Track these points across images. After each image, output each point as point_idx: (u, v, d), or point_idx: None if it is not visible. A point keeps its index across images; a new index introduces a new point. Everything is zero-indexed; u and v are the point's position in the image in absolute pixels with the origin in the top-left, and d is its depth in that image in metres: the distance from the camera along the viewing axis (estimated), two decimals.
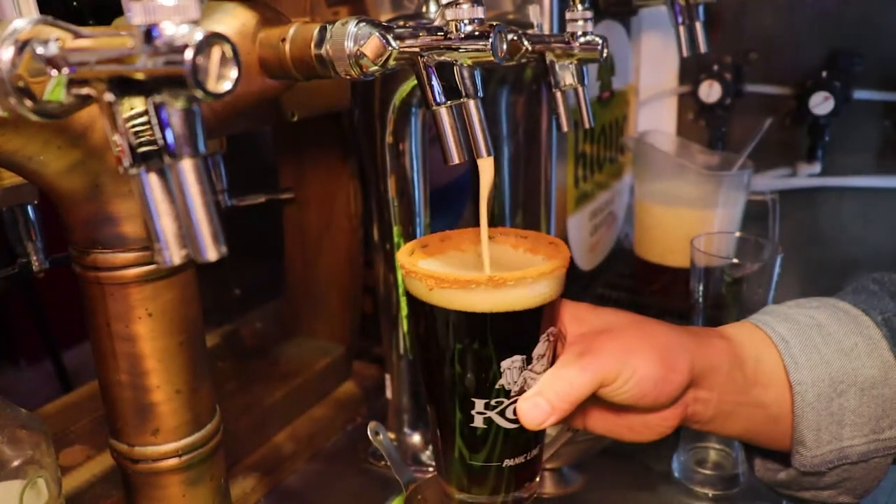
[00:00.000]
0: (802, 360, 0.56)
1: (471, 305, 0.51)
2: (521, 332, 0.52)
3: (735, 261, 0.73)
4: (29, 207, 0.73)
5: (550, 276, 0.51)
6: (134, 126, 0.33)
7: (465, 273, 0.52)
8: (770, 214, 0.96)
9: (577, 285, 1.02)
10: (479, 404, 0.53)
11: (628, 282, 1.06)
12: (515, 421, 0.53)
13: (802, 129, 1.21)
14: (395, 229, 0.80)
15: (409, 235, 0.80)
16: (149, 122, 0.32)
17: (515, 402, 0.53)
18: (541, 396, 0.52)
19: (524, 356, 0.52)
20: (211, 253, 0.32)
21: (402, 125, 0.75)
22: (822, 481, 0.59)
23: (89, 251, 0.50)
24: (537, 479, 0.59)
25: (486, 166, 0.54)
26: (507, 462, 0.56)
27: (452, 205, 1.09)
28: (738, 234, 0.80)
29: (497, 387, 0.53)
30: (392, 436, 0.84)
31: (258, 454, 0.85)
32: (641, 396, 0.53)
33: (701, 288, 0.76)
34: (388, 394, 0.85)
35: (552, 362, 0.55)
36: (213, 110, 0.51)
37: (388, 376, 0.85)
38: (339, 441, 0.91)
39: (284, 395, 0.89)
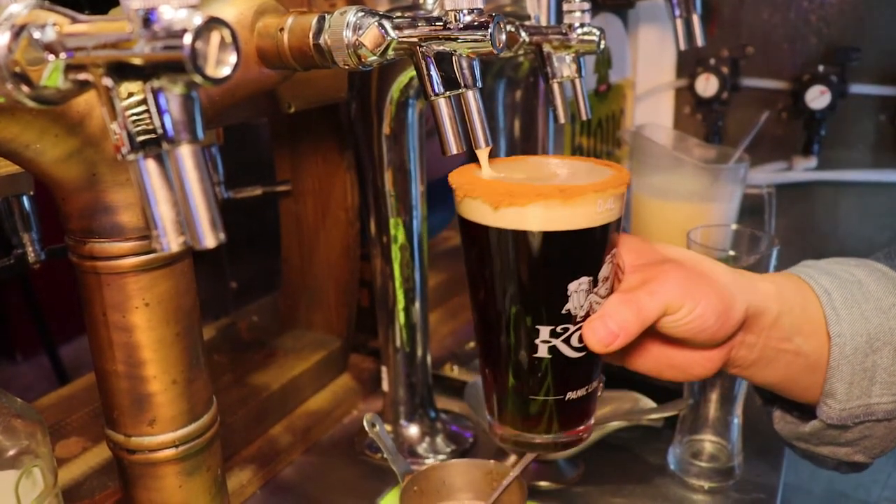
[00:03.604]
0: (843, 313, 0.56)
1: (542, 223, 0.47)
2: (590, 251, 0.50)
3: (732, 253, 0.73)
4: (24, 198, 0.73)
5: (619, 190, 0.48)
6: (132, 114, 0.33)
7: (533, 188, 0.48)
8: (766, 208, 0.96)
9: None
10: (545, 332, 0.51)
11: None
12: (581, 349, 0.51)
13: (799, 123, 1.21)
14: (392, 222, 0.80)
15: (406, 227, 0.80)
16: (147, 110, 0.32)
17: (580, 328, 0.51)
18: (610, 319, 0.50)
19: (591, 278, 0.50)
20: (209, 239, 0.32)
21: (399, 117, 0.75)
22: (843, 436, 0.59)
23: (86, 240, 0.50)
24: (592, 421, 0.57)
25: (484, 157, 0.54)
26: (570, 395, 0.53)
27: (449, 198, 1.09)
28: (734, 226, 0.80)
29: (563, 312, 0.50)
30: (389, 428, 0.84)
31: (255, 446, 0.85)
32: (701, 330, 0.52)
33: None
34: (385, 386, 0.85)
35: (612, 288, 0.53)
36: (210, 100, 0.51)
37: (384, 368, 0.85)
38: (335, 433, 0.91)
39: (281, 388, 0.89)
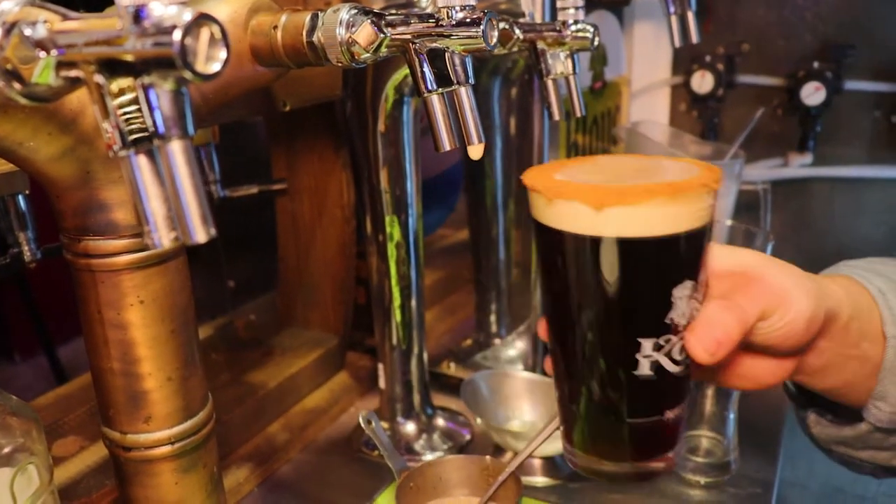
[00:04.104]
0: None
1: (651, 224, 0.43)
2: (695, 252, 0.46)
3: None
4: (20, 197, 0.73)
5: (718, 184, 0.45)
6: (123, 112, 0.33)
7: (639, 186, 0.43)
8: (762, 204, 0.96)
9: None
10: (648, 346, 0.46)
11: None
12: (681, 362, 0.47)
13: (794, 119, 1.21)
14: (388, 219, 0.80)
15: (401, 225, 0.80)
16: (138, 107, 0.32)
17: (682, 338, 0.47)
18: (714, 326, 0.47)
19: (694, 282, 0.46)
20: (200, 234, 0.32)
21: (394, 114, 0.75)
22: (888, 440, 0.57)
23: (80, 238, 0.50)
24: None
25: (476, 154, 0.54)
26: (668, 414, 0.49)
27: (445, 196, 1.09)
28: (729, 222, 0.80)
29: (667, 321, 0.46)
30: (385, 425, 0.85)
31: (252, 444, 0.85)
32: (790, 336, 0.50)
33: None
34: (381, 383, 0.85)
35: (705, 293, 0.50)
36: (204, 98, 0.51)
37: (380, 366, 0.85)
38: (332, 431, 0.91)
39: (278, 386, 0.89)
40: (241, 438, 0.85)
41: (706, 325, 0.47)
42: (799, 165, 1.21)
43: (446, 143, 0.54)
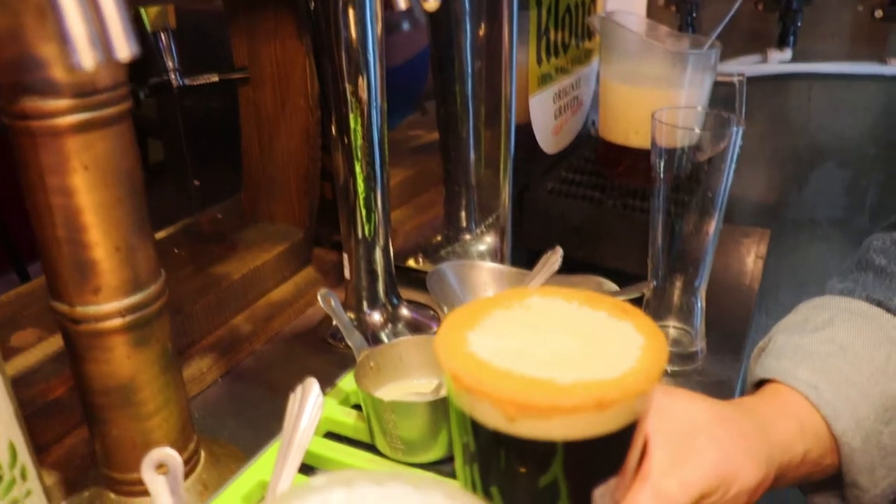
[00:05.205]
0: (840, 404, 0.50)
1: (571, 433, 0.37)
2: (621, 450, 0.40)
3: (697, 131, 0.71)
4: None
5: (650, 389, 0.38)
6: None
7: (561, 395, 0.36)
8: (737, 96, 0.94)
9: (541, 167, 1.00)
10: None
11: (592, 166, 1.05)
12: None
13: (775, 15, 1.18)
14: (352, 117, 0.77)
15: (364, 117, 0.77)
16: None
17: None
18: None
19: (619, 477, 0.41)
20: (122, 51, 0.30)
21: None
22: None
23: (18, 98, 0.47)
24: None
25: (431, 6, 0.51)
26: None
27: (409, 87, 1.07)
28: (700, 108, 0.78)
29: None
30: (351, 315, 0.83)
31: (215, 336, 0.84)
32: None
33: (662, 164, 0.74)
34: (347, 273, 0.84)
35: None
36: None
37: (345, 255, 0.83)
38: (298, 324, 0.91)
39: (242, 278, 0.88)
40: (204, 330, 0.84)
41: None
42: (778, 62, 1.19)
43: (401, 3, 0.52)
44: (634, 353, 0.39)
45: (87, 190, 0.50)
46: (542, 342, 0.40)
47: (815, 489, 0.57)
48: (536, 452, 0.38)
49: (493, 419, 0.37)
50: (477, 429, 0.39)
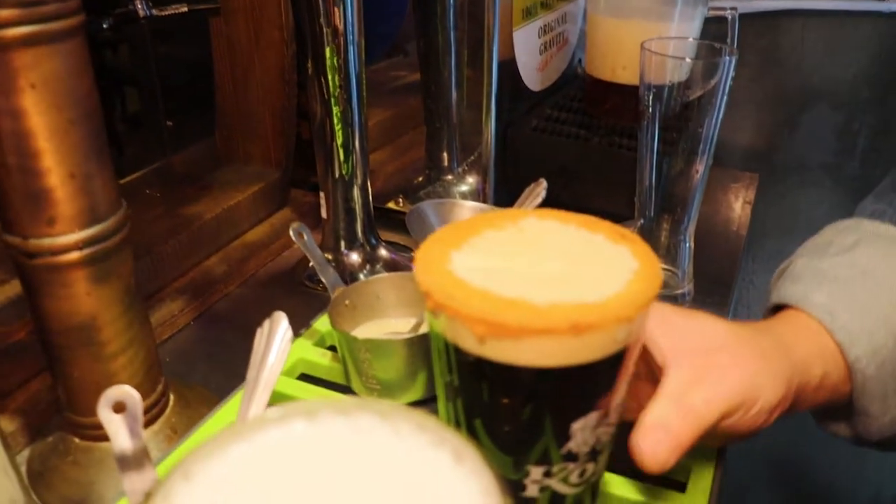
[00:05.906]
0: (855, 330, 0.48)
1: (544, 358, 0.35)
2: (604, 383, 0.38)
3: (688, 60, 0.68)
4: None
5: (650, 304, 0.35)
6: None
7: (534, 315, 0.33)
8: (729, 31, 0.91)
9: (526, 105, 0.97)
10: (537, 472, 0.40)
11: (578, 104, 1.01)
12: (580, 483, 0.41)
13: None
14: (328, 51, 0.73)
15: (340, 52, 0.73)
16: None
17: (585, 462, 0.40)
18: (668, 437, 0.42)
19: (601, 411, 0.38)
20: None
21: None
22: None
23: None
24: None
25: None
26: None
27: (387, 20, 1.03)
28: (691, 39, 0.75)
29: (563, 453, 0.39)
30: (329, 256, 0.80)
31: (187, 277, 0.81)
32: (753, 425, 0.45)
33: (651, 99, 0.71)
34: (324, 213, 0.81)
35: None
36: None
37: (322, 195, 0.80)
38: (273, 266, 0.88)
39: (215, 218, 0.84)
40: (176, 271, 0.81)
41: (657, 432, 0.42)
42: None
43: None
44: (624, 278, 0.36)
45: (38, 112, 0.46)
46: (529, 263, 0.37)
47: (826, 417, 0.55)
48: (514, 381, 0.36)
49: (468, 342, 0.35)
50: (452, 356, 0.37)
